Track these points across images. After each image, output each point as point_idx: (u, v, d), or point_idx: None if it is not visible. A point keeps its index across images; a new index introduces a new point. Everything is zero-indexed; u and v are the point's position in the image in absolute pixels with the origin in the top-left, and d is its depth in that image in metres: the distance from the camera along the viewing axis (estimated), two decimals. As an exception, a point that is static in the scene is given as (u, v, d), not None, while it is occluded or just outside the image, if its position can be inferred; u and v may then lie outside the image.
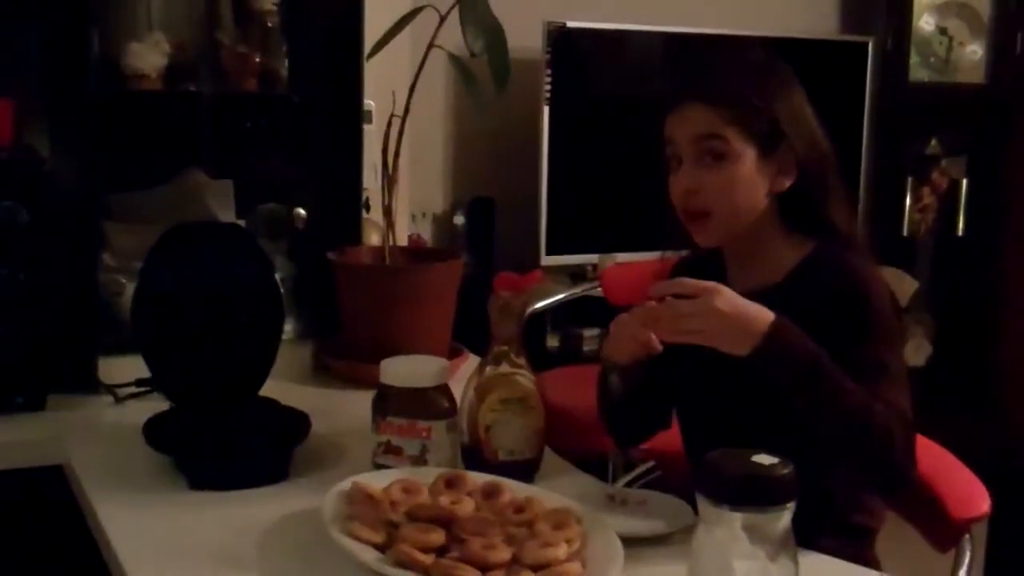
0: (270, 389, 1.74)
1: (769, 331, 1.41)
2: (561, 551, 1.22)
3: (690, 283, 1.43)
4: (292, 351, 2.00)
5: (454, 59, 1.92)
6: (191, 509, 1.45)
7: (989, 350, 3.90)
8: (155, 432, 1.56)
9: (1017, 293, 3.95)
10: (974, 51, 3.86)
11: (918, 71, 3.82)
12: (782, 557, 1.04)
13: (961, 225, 3.88)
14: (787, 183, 1.56)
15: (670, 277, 1.78)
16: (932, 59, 3.83)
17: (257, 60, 2.06)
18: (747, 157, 1.54)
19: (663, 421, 1.76)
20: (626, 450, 2.43)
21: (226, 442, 1.55)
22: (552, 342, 3.28)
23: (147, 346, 1.68)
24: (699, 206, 1.55)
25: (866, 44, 3.70)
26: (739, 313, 1.41)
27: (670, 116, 1.59)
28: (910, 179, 3.83)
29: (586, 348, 3.43)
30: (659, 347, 1.49)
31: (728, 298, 1.42)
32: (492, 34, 1.91)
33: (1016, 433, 3.77)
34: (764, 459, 1.04)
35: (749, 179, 1.54)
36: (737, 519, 1.03)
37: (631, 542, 1.30)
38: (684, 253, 1.71)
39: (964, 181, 3.86)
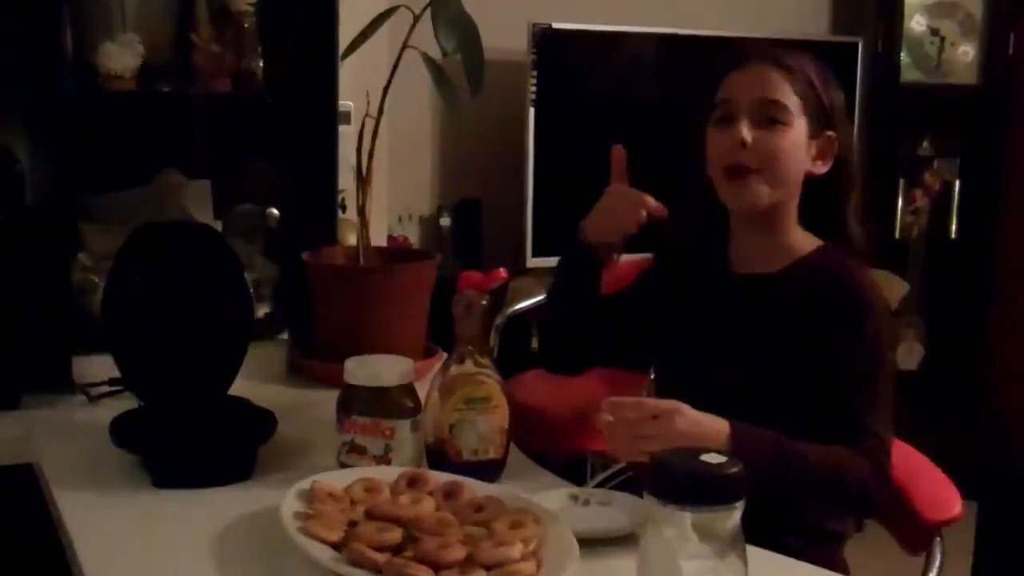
0: (243, 388, 1.73)
1: (732, 443, 1.43)
2: (516, 550, 1.21)
3: (648, 405, 1.45)
4: (266, 350, 2.00)
5: (427, 60, 1.91)
6: (154, 507, 1.45)
7: (981, 353, 3.89)
8: (121, 430, 1.55)
9: (1009, 296, 3.94)
10: (966, 52, 3.85)
11: (909, 72, 3.80)
12: (731, 556, 1.03)
13: (954, 227, 3.87)
14: (823, 169, 1.61)
15: (650, 268, 1.80)
16: (924, 60, 3.82)
17: (231, 61, 2.06)
18: (800, 128, 1.58)
19: (604, 355, 1.79)
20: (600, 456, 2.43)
21: (190, 441, 1.54)
22: (535, 344, 3.27)
23: (116, 345, 1.67)
24: (748, 161, 1.58)
25: (856, 45, 3.69)
26: (698, 433, 1.43)
27: (733, 75, 1.62)
28: (902, 181, 3.81)
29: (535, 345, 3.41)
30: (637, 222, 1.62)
31: (688, 419, 1.43)
32: (465, 33, 1.90)
33: (1007, 437, 3.75)
34: (713, 458, 1.03)
35: (799, 149, 1.59)
36: (686, 518, 1.02)
37: (591, 542, 1.30)
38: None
39: (956, 183, 3.84)
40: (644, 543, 1.06)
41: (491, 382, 1.51)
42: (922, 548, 1.60)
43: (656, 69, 3.55)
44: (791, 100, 1.58)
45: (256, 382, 1.80)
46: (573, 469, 1.78)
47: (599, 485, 1.82)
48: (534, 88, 3.26)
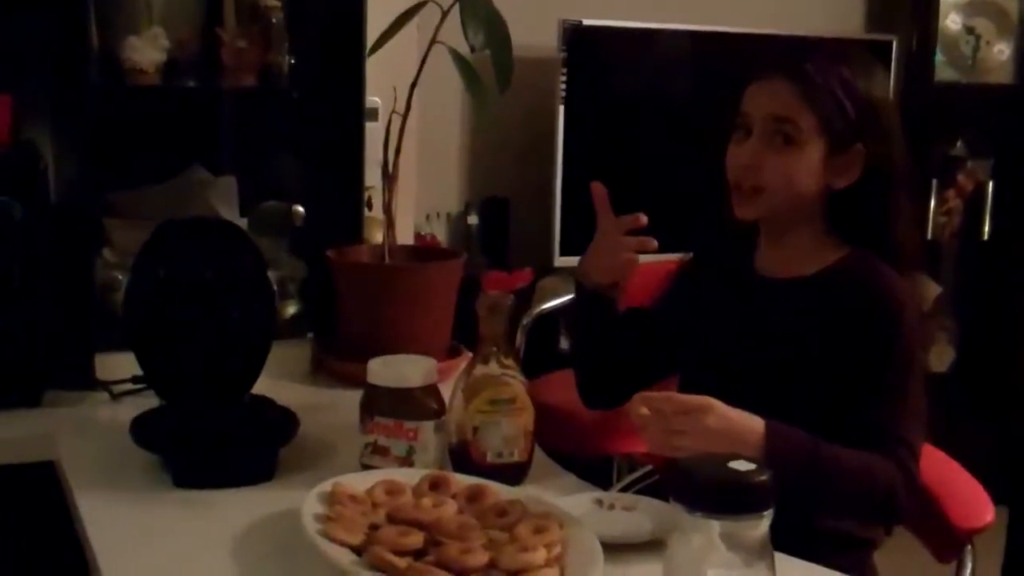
0: (266, 387, 1.71)
1: (767, 443, 1.41)
2: (539, 556, 1.19)
3: (680, 399, 1.42)
4: (292, 349, 1.98)
5: (455, 56, 1.89)
6: (173, 507, 1.44)
7: (1013, 356, 3.83)
8: (142, 429, 1.54)
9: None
10: (1001, 51, 3.79)
11: (944, 71, 3.74)
12: (759, 565, 1.00)
13: (986, 229, 3.81)
14: (844, 184, 1.56)
15: (680, 272, 1.78)
16: (958, 59, 3.76)
17: (257, 56, 2.04)
18: (815, 148, 1.54)
19: (640, 383, 1.72)
20: (628, 456, 2.41)
21: (212, 440, 1.52)
22: (564, 344, 3.24)
23: (138, 342, 1.66)
24: (754, 182, 1.55)
25: (891, 43, 3.63)
26: (731, 429, 1.41)
27: (753, 86, 1.58)
28: (935, 181, 3.75)
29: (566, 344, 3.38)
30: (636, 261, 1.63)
31: (720, 415, 1.41)
32: (494, 29, 1.88)
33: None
34: (741, 465, 1.01)
35: (810, 169, 1.54)
36: (713, 527, 0.99)
37: (616, 547, 1.27)
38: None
39: (990, 184, 3.78)
40: (670, 551, 1.03)
41: (516, 383, 1.48)
42: (953, 556, 1.57)
43: (687, 66, 3.51)
44: (806, 119, 1.52)
45: (280, 381, 1.79)
46: (599, 471, 1.75)
47: (626, 488, 1.79)
48: (564, 85, 3.22)
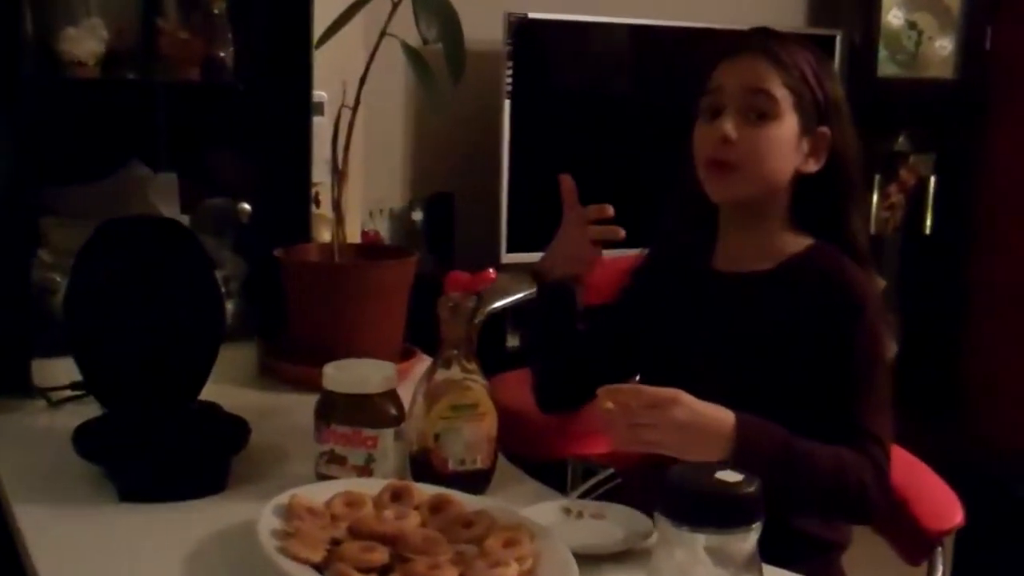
0: (212, 392, 1.65)
1: (737, 436, 1.37)
2: (511, 571, 1.14)
3: (647, 392, 1.38)
4: (237, 352, 1.91)
5: (407, 48, 1.84)
6: (119, 522, 1.36)
7: (956, 349, 3.86)
8: (84, 439, 1.46)
9: (984, 292, 3.91)
10: (943, 46, 3.81)
11: (887, 66, 3.75)
12: (747, 578, 0.97)
13: (929, 223, 3.83)
14: (815, 168, 1.54)
15: (639, 269, 1.74)
16: (901, 54, 3.77)
17: (200, 48, 1.96)
18: (790, 124, 1.51)
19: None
20: (582, 457, 2.37)
21: (158, 450, 1.45)
22: (512, 342, 3.19)
23: (78, 347, 1.59)
24: (730, 157, 1.52)
25: (834, 38, 3.63)
26: (700, 422, 1.37)
27: (724, 63, 1.56)
28: (877, 176, 3.77)
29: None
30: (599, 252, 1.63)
31: (688, 407, 1.37)
32: (447, 21, 1.83)
33: (983, 434, 3.73)
34: (729, 476, 0.96)
35: (785, 146, 1.52)
36: (699, 540, 0.95)
37: (587, 558, 1.23)
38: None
39: (932, 178, 3.80)
40: (654, 565, 0.99)
41: (479, 388, 1.43)
42: (922, 558, 1.54)
43: (633, 60, 3.49)
44: (781, 92, 1.51)
45: (225, 386, 1.72)
46: (553, 473, 1.70)
47: (587, 492, 1.75)
48: (510, 79, 3.18)
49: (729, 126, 1.51)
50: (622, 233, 1.61)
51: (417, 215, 3.32)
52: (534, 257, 3.21)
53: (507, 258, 3.22)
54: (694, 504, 0.95)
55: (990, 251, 3.90)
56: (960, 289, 3.91)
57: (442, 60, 1.82)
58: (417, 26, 1.80)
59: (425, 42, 1.82)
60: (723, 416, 1.39)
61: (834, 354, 1.48)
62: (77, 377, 1.65)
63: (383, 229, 3.34)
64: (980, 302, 3.92)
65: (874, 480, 1.42)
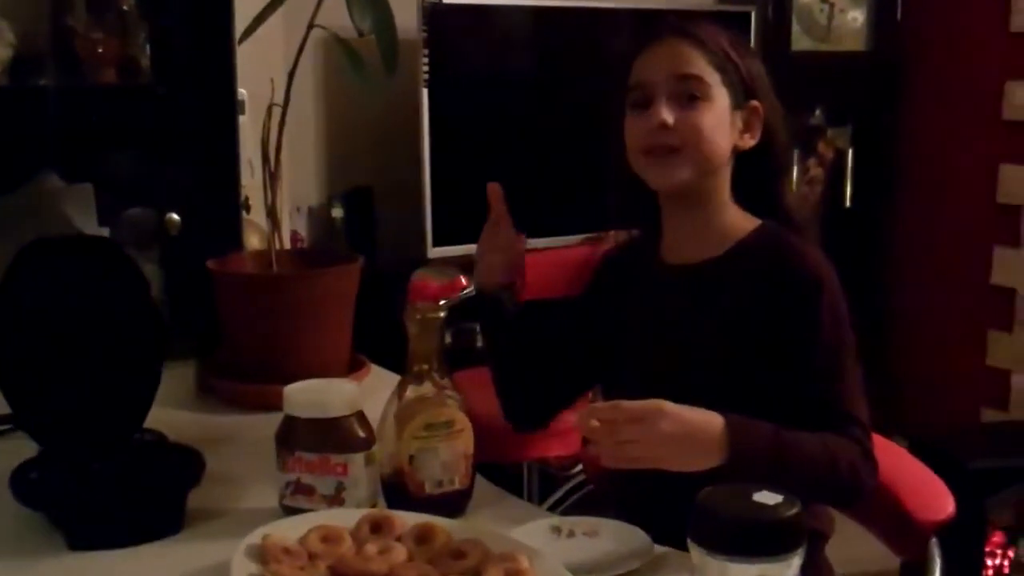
0: (150, 418, 1.53)
1: (729, 442, 1.31)
2: (518, 607, 1.05)
3: (628, 407, 1.30)
4: (170, 372, 1.78)
5: (340, 41, 1.74)
6: (73, 574, 1.23)
7: (877, 322, 3.88)
8: (23, 484, 1.33)
9: (906, 263, 3.94)
10: (855, 18, 3.81)
11: (800, 40, 3.74)
12: (788, 609, 0.90)
13: (848, 196, 3.83)
14: (751, 142, 1.52)
15: (599, 269, 1.67)
16: (814, 27, 3.76)
17: (115, 49, 1.83)
18: (721, 102, 1.48)
19: (569, 399, 1.67)
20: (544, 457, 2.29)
21: (107, 492, 1.32)
22: (448, 339, 3.11)
23: (5, 380, 1.46)
24: (670, 141, 1.47)
25: (748, 14, 3.60)
26: (688, 432, 1.31)
27: (644, 56, 1.52)
28: (796, 151, 3.75)
29: (479, 344, 3.26)
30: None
31: (674, 418, 1.30)
32: (380, 12, 1.75)
33: (905, 407, 3.75)
34: (767, 498, 0.90)
35: (721, 123, 1.49)
36: (737, 571, 0.88)
37: (586, 582, 1.15)
38: (612, 236, 1.63)
39: (850, 151, 3.80)
40: (686, 600, 0.92)
41: (453, 404, 1.34)
42: (915, 550, 1.50)
43: (552, 43, 3.41)
44: (708, 73, 1.48)
45: (164, 409, 1.59)
46: (508, 481, 1.62)
47: (560, 501, 1.68)
48: (426, 68, 3.07)
49: (664, 111, 1.47)
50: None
51: (337, 212, 3.20)
52: (461, 251, 3.17)
53: (433, 252, 3.12)
54: (731, 531, 0.88)
55: (909, 221, 3.92)
56: (881, 261, 3.92)
57: (366, 51, 1.74)
58: (351, 18, 1.70)
59: (360, 34, 1.72)
60: (711, 420, 1.32)
61: (799, 336, 1.43)
62: (4, 410, 1.52)
63: (301, 228, 3.22)
64: (901, 273, 3.95)
65: (862, 461, 1.39)
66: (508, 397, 1.67)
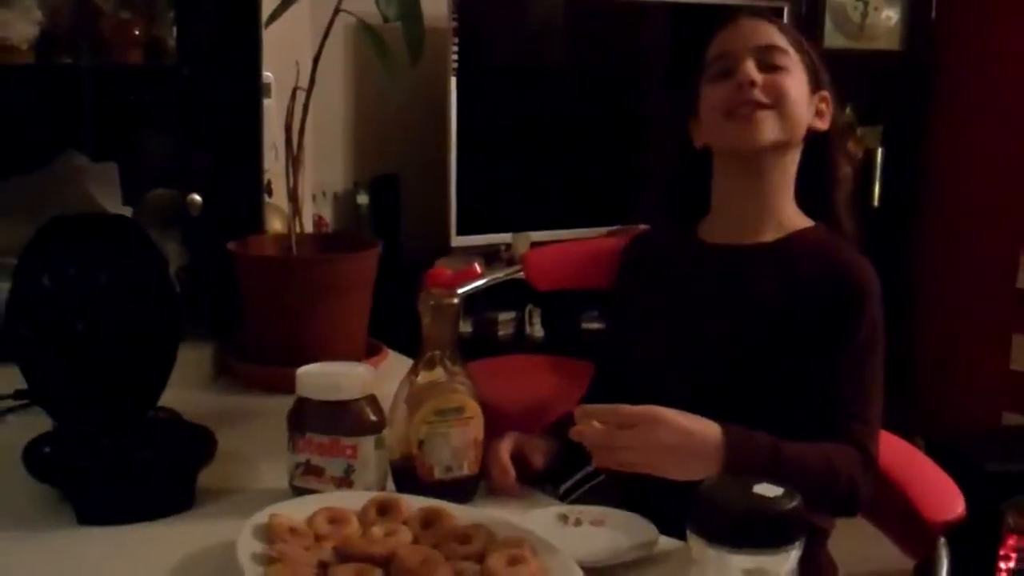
0: (166, 397, 1.53)
1: (726, 454, 1.31)
2: (520, 593, 1.06)
3: (624, 412, 1.30)
4: (190, 352, 1.79)
5: (366, 27, 1.74)
6: (81, 547, 1.24)
7: (907, 321, 3.85)
8: (36, 458, 1.35)
9: (933, 263, 3.91)
10: (889, 16, 3.79)
11: (833, 37, 3.73)
12: (787, 601, 0.90)
13: (877, 195, 3.81)
14: (824, 127, 1.54)
15: (625, 253, 1.67)
16: (847, 25, 3.74)
17: (141, 29, 1.84)
18: (801, 76, 1.51)
19: None
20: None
21: (118, 467, 1.33)
22: (464, 328, 3.12)
23: (24, 356, 1.47)
24: (758, 97, 1.48)
25: (781, 9, 3.59)
26: (685, 442, 1.31)
27: (724, 32, 1.55)
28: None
29: (501, 333, 3.28)
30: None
31: (671, 427, 1.30)
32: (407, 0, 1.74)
33: (932, 408, 3.73)
34: (767, 490, 0.89)
35: (802, 95, 1.51)
36: (736, 561, 0.88)
37: (592, 571, 1.15)
38: (639, 229, 1.63)
39: (880, 150, 3.78)
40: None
41: (464, 390, 1.34)
42: (923, 550, 1.49)
43: (581, 32, 3.41)
44: (788, 47, 1.52)
45: (180, 390, 1.59)
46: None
47: (570, 490, 1.68)
48: (455, 56, 3.08)
49: (752, 72, 1.48)
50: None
51: (362, 198, 3.22)
52: (485, 239, 3.19)
53: (457, 241, 3.13)
54: (731, 523, 0.88)
55: (938, 221, 3.89)
56: (909, 261, 3.89)
57: (392, 38, 1.73)
58: (377, 4, 1.70)
59: (385, 20, 1.72)
60: (709, 431, 1.32)
61: (833, 339, 1.44)
62: (22, 385, 1.53)
63: (327, 213, 3.23)
64: (929, 273, 3.92)
65: (862, 473, 1.39)
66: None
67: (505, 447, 1.44)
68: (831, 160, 1.56)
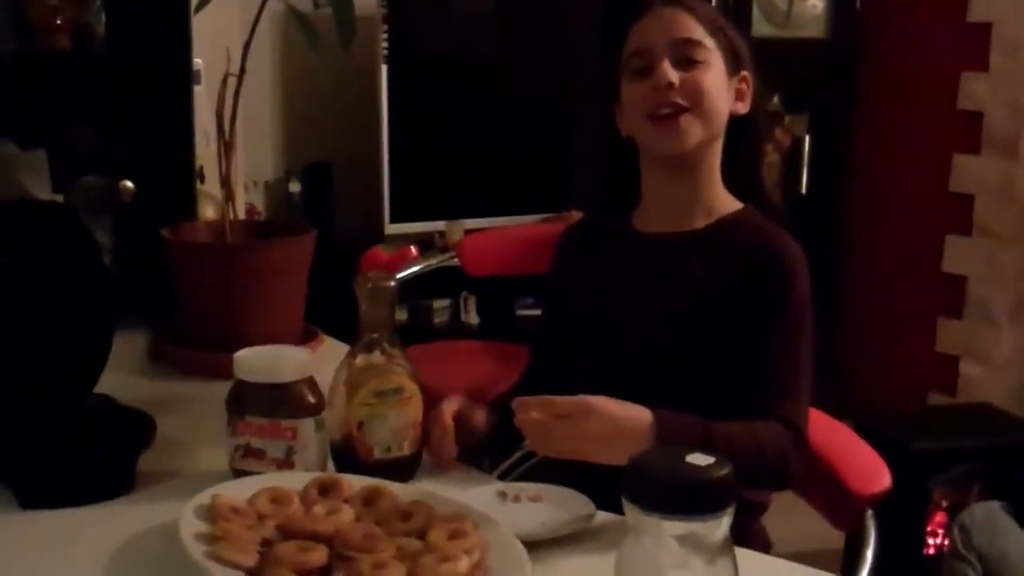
0: (103, 383, 1.53)
1: (656, 438, 1.33)
2: (462, 565, 1.08)
3: (556, 404, 1.33)
4: (125, 339, 1.78)
5: (295, 13, 1.74)
6: (22, 531, 1.24)
7: (833, 305, 3.93)
8: (-28, 444, 1.34)
9: (860, 248, 3.98)
10: (815, 5, 3.85)
11: (761, 26, 3.78)
12: (720, 563, 0.93)
13: (805, 182, 3.88)
14: (744, 110, 1.55)
15: (560, 246, 1.68)
16: (774, 13, 3.80)
17: (70, 14, 1.82)
18: (718, 67, 1.51)
19: None
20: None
21: (58, 452, 1.33)
22: (399, 315, 3.13)
23: (-43, 345, 1.46)
24: (677, 100, 1.49)
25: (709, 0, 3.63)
26: (615, 430, 1.33)
27: (640, 24, 1.55)
28: (754, 136, 3.79)
29: (436, 320, 3.29)
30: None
31: (601, 416, 1.33)
32: (336, -14, 1.74)
33: (860, 390, 3.80)
34: (699, 459, 0.92)
35: (720, 87, 1.51)
36: (669, 527, 0.91)
37: (532, 545, 1.17)
38: (573, 216, 1.64)
39: (807, 138, 3.85)
40: (622, 555, 0.94)
41: (403, 372, 1.36)
42: (851, 522, 1.53)
43: (512, 21, 3.43)
44: (705, 38, 1.51)
45: (116, 375, 1.59)
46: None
47: (506, 472, 1.70)
48: (385, 44, 3.08)
49: (670, 75, 1.49)
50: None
51: (294, 186, 3.21)
52: (419, 227, 3.20)
53: (391, 229, 3.14)
54: (663, 490, 0.91)
55: (865, 208, 3.97)
56: (836, 247, 3.97)
57: (322, 25, 1.74)
58: (308, -11, 1.71)
59: (316, 6, 1.73)
60: (639, 416, 1.35)
61: (762, 317, 1.46)
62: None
63: (258, 202, 3.22)
64: (856, 259, 4.00)
65: (792, 448, 1.42)
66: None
67: (448, 408, 1.47)
68: (755, 142, 1.59)
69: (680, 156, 1.52)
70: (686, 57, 1.49)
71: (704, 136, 1.50)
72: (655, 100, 1.50)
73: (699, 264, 1.51)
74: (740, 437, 1.39)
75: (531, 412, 1.35)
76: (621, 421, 1.34)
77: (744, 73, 1.55)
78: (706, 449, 1.30)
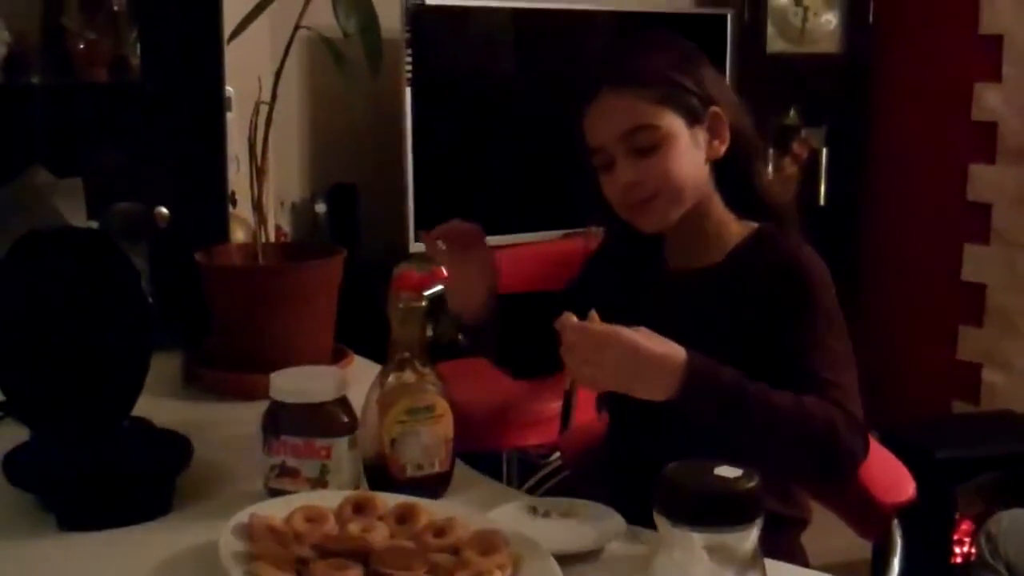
0: (139, 406, 1.57)
1: (686, 375, 1.31)
2: (495, 580, 1.11)
3: (590, 331, 1.33)
4: (160, 362, 1.82)
5: (326, 40, 1.79)
6: (62, 553, 1.28)
7: (855, 317, 3.93)
8: (16, 466, 1.38)
9: (878, 260, 4.00)
10: (828, 20, 3.88)
11: (775, 42, 3.81)
12: (750, 574, 0.95)
13: (822, 194, 3.90)
14: (722, 148, 1.51)
15: (591, 264, 1.70)
16: (788, 30, 3.83)
17: (107, 47, 1.87)
18: (680, 134, 1.48)
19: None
20: (524, 450, 2.34)
21: (97, 474, 1.37)
22: (431, 331, 3.16)
23: (1, 368, 1.50)
24: (643, 195, 1.49)
25: (724, 17, 3.67)
26: (640, 361, 1.31)
27: (589, 118, 1.52)
28: (771, 150, 3.82)
29: (462, 337, 3.31)
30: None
31: (626, 347, 1.31)
32: (365, 13, 1.79)
33: (878, 401, 3.79)
34: (727, 472, 0.95)
35: (685, 155, 1.49)
36: (698, 539, 0.93)
37: (563, 559, 1.20)
38: (595, 232, 1.66)
39: (824, 150, 3.87)
40: (653, 566, 0.97)
41: (434, 390, 1.39)
42: (877, 532, 1.56)
43: (533, 44, 3.47)
44: (655, 115, 1.47)
45: (152, 398, 1.63)
46: (486, 468, 1.67)
47: (536, 486, 1.73)
48: (409, 67, 3.12)
49: (627, 172, 1.48)
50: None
51: (320, 207, 3.25)
52: (442, 247, 3.21)
53: (416, 248, 3.17)
54: (692, 503, 0.93)
55: (882, 219, 3.99)
56: (854, 259, 3.98)
57: (351, 51, 1.78)
58: (337, 19, 1.75)
59: (345, 35, 1.77)
60: (672, 353, 1.33)
61: (793, 332, 1.44)
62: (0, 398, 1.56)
63: (284, 222, 3.27)
64: (873, 271, 4.01)
65: (845, 423, 1.35)
66: (505, 355, 1.74)
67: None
68: (746, 164, 1.55)
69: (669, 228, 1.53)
70: (639, 147, 1.47)
71: (683, 207, 1.50)
72: (623, 196, 1.51)
73: (723, 300, 1.50)
74: (782, 398, 1.35)
75: (572, 316, 1.34)
76: (651, 353, 1.31)
77: (713, 110, 1.50)
78: (740, 399, 1.33)
